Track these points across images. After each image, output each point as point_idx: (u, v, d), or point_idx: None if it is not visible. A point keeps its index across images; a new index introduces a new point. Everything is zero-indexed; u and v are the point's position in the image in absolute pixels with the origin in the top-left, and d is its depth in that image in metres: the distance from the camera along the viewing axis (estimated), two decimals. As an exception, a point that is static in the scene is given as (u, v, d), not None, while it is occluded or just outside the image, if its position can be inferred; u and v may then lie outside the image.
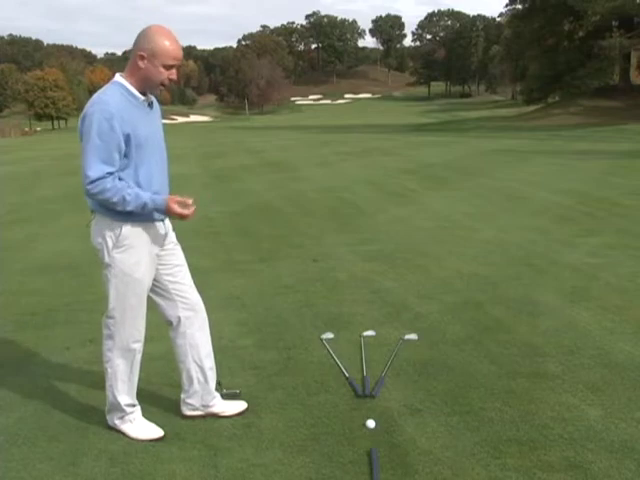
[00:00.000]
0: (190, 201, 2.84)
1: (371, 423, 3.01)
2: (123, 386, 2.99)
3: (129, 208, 2.73)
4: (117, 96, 2.71)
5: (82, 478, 2.69)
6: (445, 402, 3.25)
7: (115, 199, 2.70)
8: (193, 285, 3.11)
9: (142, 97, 2.79)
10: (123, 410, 3.01)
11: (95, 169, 2.66)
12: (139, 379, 3.60)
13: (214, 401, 3.17)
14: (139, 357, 3.02)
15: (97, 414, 3.22)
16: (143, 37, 2.72)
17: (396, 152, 20.45)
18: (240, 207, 10.08)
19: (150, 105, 2.87)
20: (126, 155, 2.73)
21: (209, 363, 3.14)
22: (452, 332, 4.25)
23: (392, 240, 7.26)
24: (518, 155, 18.12)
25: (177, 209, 2.81)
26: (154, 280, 2.97)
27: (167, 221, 3.00)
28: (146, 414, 3.13)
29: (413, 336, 4.15)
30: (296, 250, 6.90)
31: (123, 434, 3.00)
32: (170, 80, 2.77)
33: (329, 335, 4.23)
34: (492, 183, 12.03)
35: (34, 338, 4.41)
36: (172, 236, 3.06)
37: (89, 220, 2.90)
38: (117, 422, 3.04)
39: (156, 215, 2.86)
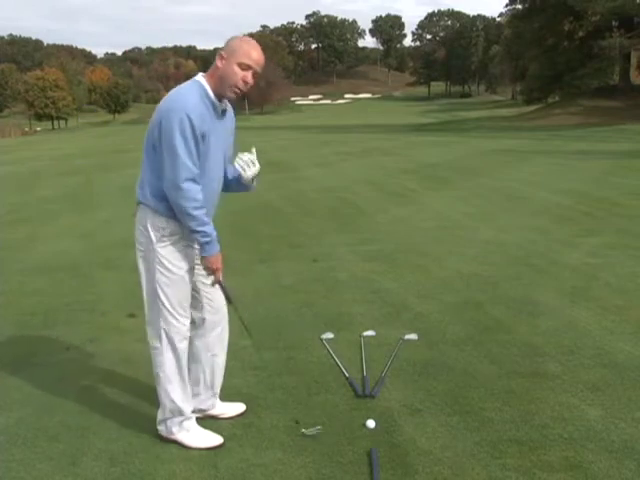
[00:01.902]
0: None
1: (371, 423, 3.01)
2: (179, 388, 2.89)
3: (198, 228, 2.69)
4: (195, 95, 2.66)
5: (82, 478, 2.69)
6: (445, 402, 3.25)
7: (195, 212, 2.66)
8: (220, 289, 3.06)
9: (217, 102, 2.73)
10: (183, 413, 2.90)
11: (188, 170, 2.62)
12: (138, 379, 3.60)
13: (214, 406, 3.17)
14: (185, 358, 2.92)
15: (97, 414, 3.23)
16: (228, 41, 2.72)
17: (396, 152, 20.44)
18: (240, 207, 10.07)
19: (223, 113, 2.79)
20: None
21: (220, 370, 3.12)
22: (452, 332, 4.25)
23: (392, 240, 7.26)
24: (518, 155, 18.11)
25: (213, 269, 2.81)
26: None
27: None
28: (147, 415, 3.13)
29: (413, 336, 4.16)
30: (296, 250, 6.89)
31: (181, 445, 2.90)
32: (245, 83, 2.68)
33: (329, 335, 4.23)
34: (492, 183, 12.02)
35: (34, 338, 4.41)
36: None
37: (134, 210, 2.85)
38: (175, 430, 2.92)
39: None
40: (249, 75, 2.69)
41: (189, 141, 2.61)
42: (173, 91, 2.72)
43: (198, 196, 2.67)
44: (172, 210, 2.71)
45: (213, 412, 3.16)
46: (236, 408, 3.20)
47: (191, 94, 2.66)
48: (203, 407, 3.13)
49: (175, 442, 2.92)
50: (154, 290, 2.81)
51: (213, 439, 2.93)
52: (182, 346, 2.88)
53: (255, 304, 4.95)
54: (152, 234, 2.76)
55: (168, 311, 2.82)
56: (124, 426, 3.10)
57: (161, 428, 2.96)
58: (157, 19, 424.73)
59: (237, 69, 2.66)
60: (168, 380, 2.87)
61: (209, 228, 2.74)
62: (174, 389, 2.88)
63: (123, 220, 8.78)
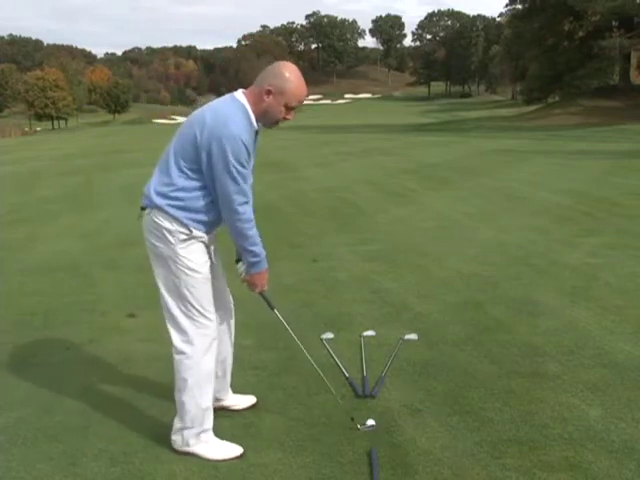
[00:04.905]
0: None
1: (370, 422, 3.01)
2: (209, 393, 2.84)
3: (250, 248, 2.78)
4: (245, 122, 2.67)
5: (82, 478, 2.69)
6: (445, 402, 3.25)
7: (249, 233, 2.75)
8: (226, 283, 3.10)
9: (256, 126, 2.76)
10: (203, 423, 2.82)
11: (244, 194, 2.68)
12: (138, 379, 3.61)
13: (227, 396, 3.21)
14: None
15: (97, 414, 3.23)
16: (274, 72, 2.69)
17: (396, 152, 20.42)
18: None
19: (256, 133, 2.80)
20: None
21: (230, 359, 3.16)
22: (452, 332, 4.25)
23: (392, 240, 7.26)
24: (518, 155, 18.10)
25: (256, 285, 2.94)
26: None
27: None
28: (147, 415, 3.13)
29: (413, 336, 4.16)
30: (296, 250, 6.90)
31: (197, 457, 2.81)
32: (287, 119, 2.76)
33: (329, 335, 4.23)
34: (492, 183, 12.02)
35: (34, 338, 4.41)
36: None
37: (139, 214, 2.81)
38: (192, 442, 2.82)
39: (217, 221, 2.83)
40: (292, 113, 2.76)
41: (245, 167, 2.66)
42: (222, 113, 2.66)
43: (252, 216, 2.77)
44: (201, 223, 2.74)
45: (226, 403, 3.19)
46: (247, 400, 3.25)
47: (242, 121, 2.66)
48: (218, 396, 3.13)
49: (193, 455, 2.82)
50: (180, 293, 2.76)
51: (233, 450, 2.84)
52: (215, 345, 2.86)
53: (255, 304, 4.94)
54: (173, 238, 2.73)
55: (199, 312, 2.78)
56: (124, 426, 3.10)
57: (176, 439, 2.85)
58: (157, 19, 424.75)
59: (283, 109, 2.72)
60: (198, 386, 2.79)
61: (259, 248, 2.82)
62: (202, 395, 2.80)
63: (123, 220, 8.78)
